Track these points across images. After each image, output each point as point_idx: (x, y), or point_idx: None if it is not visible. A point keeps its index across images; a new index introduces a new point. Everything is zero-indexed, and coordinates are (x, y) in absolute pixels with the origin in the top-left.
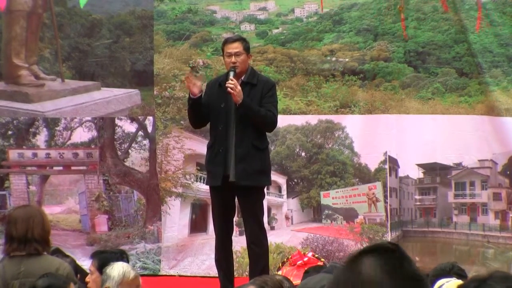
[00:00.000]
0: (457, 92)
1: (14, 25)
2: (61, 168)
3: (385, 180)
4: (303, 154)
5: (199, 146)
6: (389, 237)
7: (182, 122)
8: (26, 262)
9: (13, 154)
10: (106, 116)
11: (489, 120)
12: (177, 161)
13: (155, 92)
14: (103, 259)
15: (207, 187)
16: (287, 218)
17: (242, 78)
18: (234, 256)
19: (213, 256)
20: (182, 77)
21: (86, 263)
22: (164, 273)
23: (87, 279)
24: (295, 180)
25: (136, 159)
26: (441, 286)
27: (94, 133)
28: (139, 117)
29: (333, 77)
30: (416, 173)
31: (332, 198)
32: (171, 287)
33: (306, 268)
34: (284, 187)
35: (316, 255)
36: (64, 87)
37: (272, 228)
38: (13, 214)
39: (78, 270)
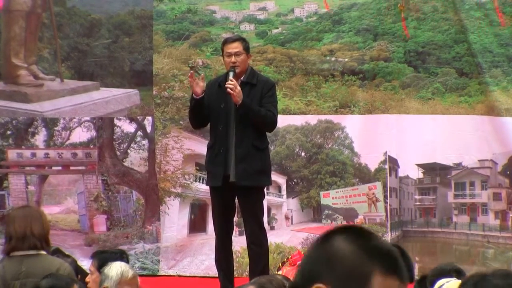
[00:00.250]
0: (457, 92)
1: (13, 25)
2: (60, 168)
3: (385, 180)
4: (302, 154)
5: (198, 146)
6: (389, 237)
7: (181, 122)
8: (27, 262)
9: (12, 154)
10: (105, 116)
11: (489, 120)
12: (176, 161)
13: (154, 92)
14: (103, 259)
15: (207, 187)
16: (287, 218)
17: (242, 78)
18: (234, 256)
19: (212, 256)
20: (182, 77)
21: (84, 263)
22: (163, 273)
23: (87, 279)
24: (295, 180)
25: (135, 159)
26: (441, 286)
27: (93, 133)
28: (138, 117)
29: (333, 77)
30: (416, 173)
31: (332, 198)
32: (170, 287)
33: None
34: (284, 187)
35: None
36: (63, 87)
37: (272, 228)
38: (12, 213)
39: (78, 270)
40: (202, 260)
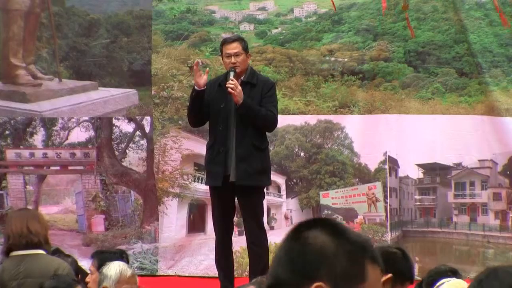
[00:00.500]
0: (457, 92)
1: (12, 24)
2: (58, 168)
3: (385, 180)
4: (302, 154)
5: (197, 146)
6: (389, 237)
7: (180, 122)
8: (25, 262)
9: (10, 154)
10: (103, 116)
11: (489, 120)
12: (174, 161)
13: (152, 92)
14: (103, 259)
15: (206, 187)
16: (286, 218)
17: (242, 78)
18: (234, 256)
19: (211, 256)
20: (181, 77)
21: (83, 263)
22: (162, 273)
23: (87, 279)
24: (294, 180)
25: (134, 159)
26: (440, 285)
27: (92, 133)
28: (137, 117)
29: (332, 77)
30: (416, 173)
31: (331, 198)
32: (170, 287)
33: None
34: (283, 187)
35: None
36: (62, 86)
37: (272, 228)
38: (10, 214)
39: (79, 270)
40: (201, 260)
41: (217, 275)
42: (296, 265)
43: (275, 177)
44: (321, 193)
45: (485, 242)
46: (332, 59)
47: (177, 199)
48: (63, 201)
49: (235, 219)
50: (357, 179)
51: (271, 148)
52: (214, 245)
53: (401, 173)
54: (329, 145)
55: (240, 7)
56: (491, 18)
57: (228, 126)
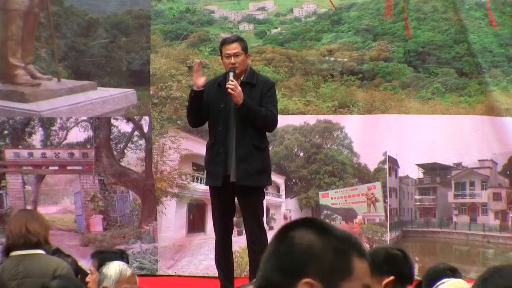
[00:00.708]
0: (457, 92)
1: (11, 24)
2: (56, 168)
3: (385, 180)
4: (301, 154)
5: (196, 146)
6: (388, 237)
7: (178, 122)
8: (25, 262)
9: (9, 154)
10: (102, 116)
11: (489, 120)
12: (173, 161)
13: (151, 92)
14: (103, 259)
15: (205, 187)
16: (285, 218)
17: (242, 78)
18: (234, 256)
19: (211, 256)
20: (180, 77)
21: (81, 264)
22: (162, 273)
23: (87, 279)
24: (294, 180)
25: (132, 159)
26: (440, 285)
27: (90, 133)
28: (135, 117)
29: (332, 77)
30: (416, 173)
31: (331, 198)
32: (170, 287)
33: None
34: (282, 187)
35: None
36: (60, 86)
37: (271, 228)
38: (11, 216)
39: (79, 270)
40: (201, 260)
41: (217, 275)
42: (284, 265)
43: (274, 177)
44: (320, 193)
45: (485, 242)
46: (332, 59)
47: (176, 199)
48: (61, 201)
49: (234, 219)
50: (356, 179)
51: (270, 148)
52: (214, 245)
53: (401, 173)
54: (329, 145)
55: (239, 7)
56: (493, 18)
57: (228, 126)
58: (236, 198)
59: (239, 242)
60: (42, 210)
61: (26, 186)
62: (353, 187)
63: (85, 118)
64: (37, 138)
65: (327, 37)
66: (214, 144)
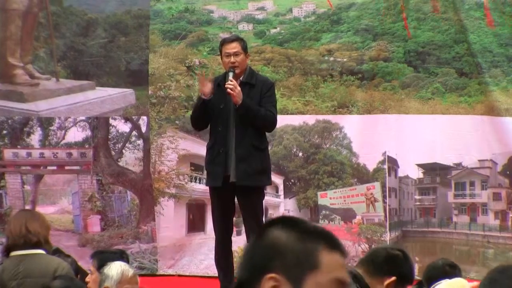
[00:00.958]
0: (457, 92)
1: (10, 24)
2: (55, 167)
3: (384, 180)
4: (300, 154)
5: (194, 146)
6: (388, 237)
7: (177, 122)
8: (25, 262)
9: (8, 154)
10: (100, 115)
11: (489, 120)
12: (171, 162)
13: (149, 92)
14: (103, 259)
15: (204, 187)
16: None
17: (241, 78)
18: (233, 256)
19: (211, 256)
20: (179, 77)
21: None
22: (162, 273)
23: (87, 279)
24: (292, 180)
25: (130, 159)
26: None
27: (88, 132)
28: (133, 117)
29: (331, 77)
30: (416, 173)
31: (329, 198)
32: (171, 287)
33: None
34: (281, 187)
35: None
36: (59, 86)
37: None
38: (11, 216)
39: (79, 270)
40: (201, 259)
41: (217, 275)
42: (252, 262)
43: (273, 177)
44: (319, 193)
45: (485, 242)
46: (331, 59)
47: (174, 199)
48: (59, 201)
49: (234, 219)
50: (355, 179)
51: (269, 148)
52: (214, 245)
53: (401, 173)
54: (328, 145)
55: (238, 7)
56: (491, 18)
57: (228, 126)
58: (236, 198)
59: (238, 242)
60: (40, 210)
61: (25, 186)
62: (352, 187)
63: (83, 118)
64: (35, 138)
65: (327, 37)
66: (214, 145)
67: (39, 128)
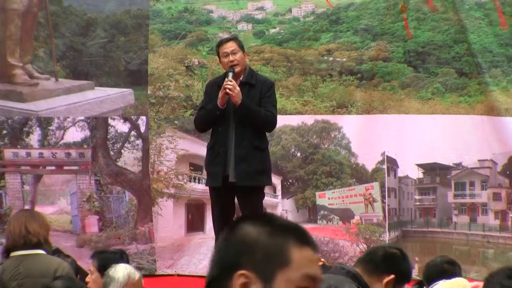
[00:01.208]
0: (457, 92)
1: (9, 24)
2: (53, 167)
3: (383, 180)
4: (298, 154)
5: (193, 146)
6: (387, 237)
7: (176, 122)
8: (25, 262)
9: (8, 154)
10: (99, 115)
11: (489, 120)
12: (169, 162)
13: (149, 92)
14: (103, 260)
15: (202, 187)
16: None
17: (241, 78)
18: None
19: (210, 255)
20: (178, 77)
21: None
22: (161, 273)
23: (87, 279)
24: (290, 181)
25: (129, 159)
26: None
27: (87, 132)
28: (132, 117)
29: (330, 77)
30: (416, 173)
31: (328, 198)
32: (170, 286)
33: None
34: (279, 188)
35: None
36: (58, 86)
37: None
38: (10, 216)
39: (78, 270)
40: (200, 259)
41: None
42: (222, 259)
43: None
44: (317, 193)
45: (485, 242)
46: (330, 59)
47: (172, 199)
48: (58, 202)
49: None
50: (354, 180)
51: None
52: (213, 245)
53: (400, 173)
54: (326, 145)
55: (238, 7)
56: (491, 18)
57: (228, 126)
58: (236, 198)
59: None
60: (39, 210)
61: (25, 186)
62: (350, 188)
63: (82, 118)
64: (34, 138)
65: (326, 37)
66: (215, 145)
67: (38, 128)
